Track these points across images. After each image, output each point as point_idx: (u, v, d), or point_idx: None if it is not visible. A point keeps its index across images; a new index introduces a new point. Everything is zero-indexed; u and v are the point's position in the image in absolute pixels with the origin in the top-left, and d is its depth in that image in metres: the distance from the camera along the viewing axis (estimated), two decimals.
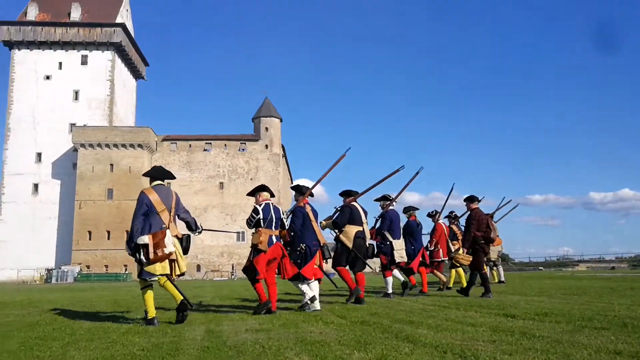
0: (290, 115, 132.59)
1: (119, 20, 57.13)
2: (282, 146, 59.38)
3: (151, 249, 5.39)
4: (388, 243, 8.81)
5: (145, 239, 5.40)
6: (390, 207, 9.02)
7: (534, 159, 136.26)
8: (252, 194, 6.75)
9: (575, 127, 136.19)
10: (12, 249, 49.02)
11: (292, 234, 6.78)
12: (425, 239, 10.46)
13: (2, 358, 3.65)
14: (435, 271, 10.93)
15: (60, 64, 55.33)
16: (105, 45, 55.94)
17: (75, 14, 55.83)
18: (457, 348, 3.45)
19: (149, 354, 3.67)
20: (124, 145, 51.63)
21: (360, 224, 7.76)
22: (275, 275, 6.66)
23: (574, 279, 16.16)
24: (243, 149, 56.71)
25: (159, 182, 5.82)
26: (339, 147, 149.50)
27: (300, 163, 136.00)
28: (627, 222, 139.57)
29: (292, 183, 76.86)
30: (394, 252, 8.75)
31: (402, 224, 9.60)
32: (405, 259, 9.04)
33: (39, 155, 53.29)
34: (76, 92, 55.14)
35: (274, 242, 6.36)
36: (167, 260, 5.50)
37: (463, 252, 9.22)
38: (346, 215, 7.74)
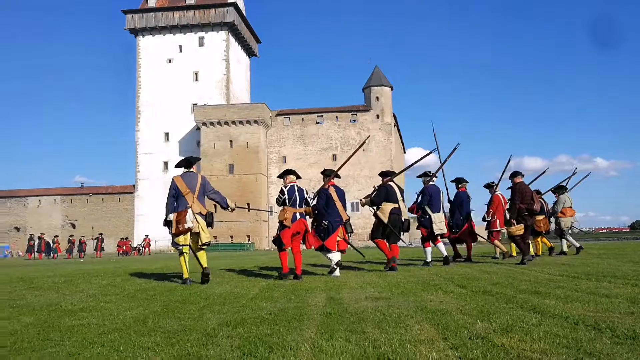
0: (401, 84, 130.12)
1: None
2: (394, 115, 58.60)
3: (174, 225, 6.78)
4: (427, 217, 9.47)
5: (171, 216, 6.84)
6: (431, 183, 9.73)
7: None
8: (281, 176, 7.88)
9: None
10: (148, 222, 54.25)
11: (316, 212, 7.78)
12: (481, 210, 10.88)
13: (149, 318, 4.10)
14: (495, 241, 11.16)
15: (180, 47, 59.02)
16: (220, 26, 58.57)
17: None
18: (590, 319, 3.24)
19: (277, 318, 3.91)
20: (241, 122, 54.25)
21: (396, 201, 8.45)
22: (301, 245, 7.77)
23: None
24: (354, 120, 56.88)
25: (186, 170, 7.16)
26: (451, 115, 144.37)
27: (413, 132, 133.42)
28: None
29: (404, 152, 75.93)
30: (433, 225, 9.39)
31: (450, 196, 10.68)
32: (445, 231, 9.61)
33: (167, 134, 57.87)
34: (196, 73, 58.67)
35: (298, 219, 7.46)
36: (188, 233, 6.84)
37: (513, 223, 9.47)
38: (382, 194, 8.53)
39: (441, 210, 9.58)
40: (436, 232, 9.43)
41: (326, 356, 2.64)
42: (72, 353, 2.94)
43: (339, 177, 8.31)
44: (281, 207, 7.54)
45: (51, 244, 35.02)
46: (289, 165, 55.10)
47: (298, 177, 7.86)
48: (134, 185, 57.93)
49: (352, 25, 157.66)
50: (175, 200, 6.92)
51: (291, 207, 7.43)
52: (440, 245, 9.72)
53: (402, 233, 8.53)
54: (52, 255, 33.92)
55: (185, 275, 7.10)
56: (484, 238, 11.49)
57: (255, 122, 54.35)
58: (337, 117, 56.95)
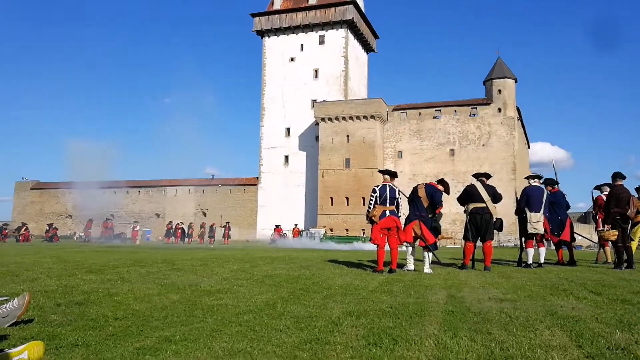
0: (526, 75, 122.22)
1: None
2: (517, 108, 55.33)
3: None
4: (524, 216, 9.53)
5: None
6: (534, 184, 9.71)
7: None
8: (382, 172, 8.61)
9: None
10: (270, 213, 57.16)
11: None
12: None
13: (277, 303, 4.38)
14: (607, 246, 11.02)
15: (302, 45, 61.05)
16: (339, 24, 59.56)
17: None
18: None
19: (398, 312, 3.97)
20: (358, 117, 54.75)
21: (480, 200, 8.75)
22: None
23: None
24: (474, 114, 54.65)
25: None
26: (580, 107, 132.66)
27: (538, 126, 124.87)
28: None
29: (528, 148, 71.37)
30: (528, 224, 9.37)
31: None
32: (541, 231, 9.42)
33: (288, 130, 60.23)
34: (316, 71, 60.27)
35: (387, 215, 7.97)
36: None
37: (607, 228, 9.38)
38: (463, 194, 9.15)
39: (541, 211, 9.44)
40: (530, 232, 9.39)
41: (451, 353, 2.65)
42: (215, 329, 3.26)
43: (396, 176, 8.63)
44: (373, 206, 8.07)
45: (186, 230, 38.38)
46: (404, 160, 54.63)
47: (394, 176, 8.46)
48: (257, 178, 61.15)
49: (472, 17, 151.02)
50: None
51: (381, 205, 7.99)
52: (542, 250, 9.79)
53: (491, 232, 8.76)
54: (186, 240, 37.12)
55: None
56: (590, 240, 11.07)
57: (372, 117, 54.49)
58: (455, 111, 55.10)
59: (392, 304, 4.41)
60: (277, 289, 5.49)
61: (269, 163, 60.53)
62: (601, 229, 10.15)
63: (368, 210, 8.24)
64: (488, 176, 9.29)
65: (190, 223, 41.80)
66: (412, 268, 8.27)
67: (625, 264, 9.00)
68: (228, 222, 40.28)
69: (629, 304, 4.42)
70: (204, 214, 60.73)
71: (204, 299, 4.62)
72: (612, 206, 9.25)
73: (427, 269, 7.97)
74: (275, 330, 3.26)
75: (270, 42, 62.33)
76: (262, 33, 62.46)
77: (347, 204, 53.64)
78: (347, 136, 55.21)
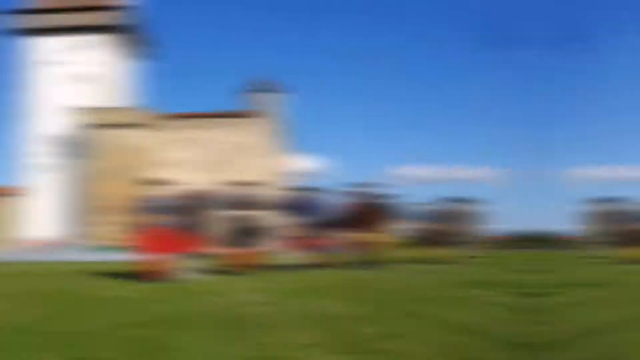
0: (291, 88, 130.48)
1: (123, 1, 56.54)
2: (281, 120, 58.92)
3: None
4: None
5: None
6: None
7: None
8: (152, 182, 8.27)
9: None
10: (31, 223, 49.53)
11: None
12: None
13: None
14: None
15: (65, 48, 55.11)
16: (110, 27, 55.52)
17: None
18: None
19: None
20: (128, 125, 51.53)
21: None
22: None
23: None
24: (240, 125, 56.38)
25: None
26: (349, 120, 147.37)
27: (306, 137, 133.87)
28: None
29: (289, 159, 76.66)
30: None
31: None
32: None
33: (48, 135, 53.29)
34: (81, 75, 54.94)
35: (155, 226, 7.56)
36: None
37: None
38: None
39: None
40: None
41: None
42: None
43: None
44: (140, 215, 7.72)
45: None
46: (176, 170, 53.33)
47: (162, 185, 8.20)
48: (14, 187, 52.59)
49: (248, 30, 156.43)
50: None
51: (149, 214, 7.67)
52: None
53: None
54: None
55: None
56: None
57: (143, 125, 51.80)
58: (226, 121, 56.06)
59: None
60: None
61: (27, 170, 52.79)
62: None
63: (134, 220, 7.72)
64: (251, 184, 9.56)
65: None
66: (187, 277, 7.88)
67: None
68: None
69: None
70: None
71: None
72: None
73: (195, 274, 7.78)
74: None
75: (28, 42, 54.92)
76: (18, 32, 54.66)
77: (116, 215, 49.82)
78: (117, 144, 51.43)
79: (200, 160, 54.25)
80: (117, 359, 2.58)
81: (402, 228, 12.02)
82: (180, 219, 8.05)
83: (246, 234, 8.83)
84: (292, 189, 10.42)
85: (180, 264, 8.19)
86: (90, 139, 50.52)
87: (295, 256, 10.38)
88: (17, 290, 6.33)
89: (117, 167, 51.04)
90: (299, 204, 10.07)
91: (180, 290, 6.30)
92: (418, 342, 2.85)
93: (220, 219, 8.83)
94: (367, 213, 10.27)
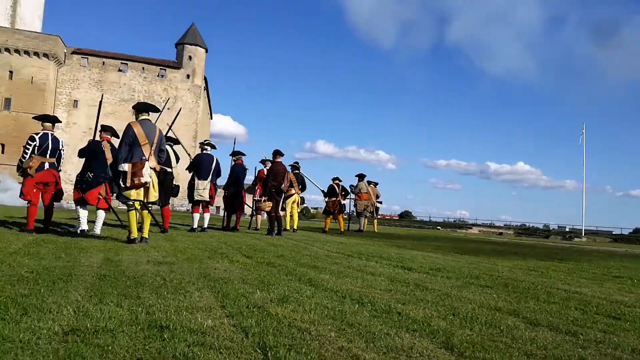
0: (217, 46, 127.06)
1: None
2: (205, 78, 57.10)
3: (129, 177, 6.09)
4: (192, 183, 9.86)
5: (125, 166, 6.11)
6: (205, 151, 10.01)
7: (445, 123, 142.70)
8: (38, 119, 7.54)
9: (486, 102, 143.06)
10: None
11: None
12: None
13: None
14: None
15: None
16: None
17: None
18: (355, 294, 3.58)
19: (39, 277, 3.47)
20: (27, 53, 47.03)
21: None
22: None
23: (467, 240, 17.40)
24: (162, 76, 53.82)
25: (144, 115, 6.46)
26: (263, 85, 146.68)
27: (222, 98, 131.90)
28: (517, 193, 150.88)
29: (211, 118, 74.67)
30: (195, 191, 9.79)
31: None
32: (207, 198, 9.91)
33: None
34: None
35: (46, 168, 7.20)
36: (142, 188, 6.24)
37: (264, 199, 10.55)
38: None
39: (208, 179, 9.90)
40: (196, 198, 9.83)
41: (91, 321, 2.42)
42: None
43: (117, 136, 7.93)
44: (29, 156, 7.15)
45: None
46: (80, 111, 49.91)
47: (55, 123, 7.63)
48: None
49: None
50: (130, 149, 6.19)
51: (40, 155, 7.14)
52: (206, 216, 10.34)
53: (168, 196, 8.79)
54: None
55: (134, 234, 6.26)
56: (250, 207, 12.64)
57: (45, 55, 47.60)
58: (143, 68, 53.20)
59: (35, 268, 3.85)
60: None
61: None
62: (258, 199, 11.44)
63: (21, 161, 7.11)
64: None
65: None
66: (85, 228, 7.49)
67: (275, 231, 10.24)
68: None
69: (272, 266, 4.99)
70: None
71: None
72: (270, 180, 10.32)
73: (98, 230, 7.38)
74: None
75: None
76: None
77: (3, 152, 45.85)
78: (11, 72, 46.97)
79: (111, 104, 51.18)
80: None
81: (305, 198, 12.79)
82: (99, 171, 7.41)
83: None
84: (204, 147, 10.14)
85: (76, 215, 7.78)
86: None
87: (202, 217, 10.26)
88: None
89: (11, 98, 46.74)
90: (215, 166, 9.93)
91: (65, 243, 6.03)
92: (305, 307, 2.96)
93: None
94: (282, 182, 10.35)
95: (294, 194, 12.51)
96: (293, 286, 3.77)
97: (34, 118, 7.86)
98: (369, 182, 16.16)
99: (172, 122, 9.80)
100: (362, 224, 16.17)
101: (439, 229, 42.17)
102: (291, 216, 12.69)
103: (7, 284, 3.18)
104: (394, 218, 58.66)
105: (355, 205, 15.85)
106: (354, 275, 4.65)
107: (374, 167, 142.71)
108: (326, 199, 14.31)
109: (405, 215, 73.39)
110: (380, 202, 17.01)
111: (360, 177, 15.74)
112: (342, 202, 14.43)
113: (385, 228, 26.81)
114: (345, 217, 15.49)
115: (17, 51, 46.78)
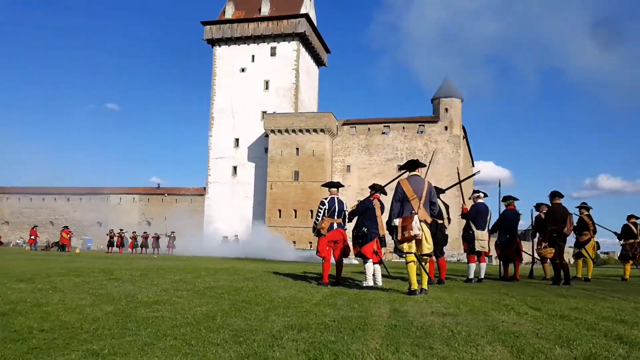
0: (472, 95, 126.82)
1: (303, 10, 60.43)
2: (463, 127, 57.23)
3: (399, 231, 6.43)
4: (471, 232, 9.74)
5: (396, 221, 6.52)
6: (479, 200, 9.97)
7: None
8: (326, 185, 8.56)
9: None
10: (216, 224, 55.93)
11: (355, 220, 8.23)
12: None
13: (217, 316, 4.19)
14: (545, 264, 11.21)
15: (253, 56, 60.72)
16: (291, 36, 59.75)
17: (265, 9, 60.61)
18: None
19: (340, 326, 3.88)
20: (307, 131, 54.94)
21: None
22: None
23: None
24: (421, 131, 56.07)
25: (414, 173, 6.86)
26: (520, 128, 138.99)
27: (482, 145, 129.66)
28: None
29: (472, 166, 73.78)
30: (475, 241, 9.63)
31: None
32: (487, 249, 9.80)
33: (237, 140, 59.51)
34: (266, 82, 60.04)
35: (335, 228, 7.95)
36: (413, 241, 6.43)
37: (545, 245, 9.66)
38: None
39: (486, 229, 9.80)
40: (477, 249, 9.70)
41: None
42: (148, 343, 3.06)
43: (384, 193, 8.50)
44: (321, 218, 8.01)
45: (128, 239, 37.39)
46: (353, 175, 55.18)
47: (339, 187, 8.43)
48: (204, 188, 59.97)
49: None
50: (401, 204, 6.64)
51: (329, 217, 7.96)
52: (483, 265, 10.01)
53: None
54: (126, 248, 36.17)
55: (414, 286, 6.39)
56: (536, 258, 11.33)
57: (322, 130, 54.82)
58: (403, 127, 56.34)
59: (335, 317, 4.32)
60: (218, 300, 5.29)
61: (216, 173, 59.53)
62: (539, 246, 10.52)
63: (315, 223, 8.17)
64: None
65: (134, 232, 40.43)
66: (372, 284, 7.91)
67: (562, 281, 9.31)
68: (173, 232, 39.14)
69: (567, 319, 4.52)
70: (149, 224, 58.83)
71: (139, 310, 4.36)
72: (549, 224, 9.51)
73: (379, 281, 8.00)
74: (212, 344, 3.09)
75: (221, 51, 61.66)
76: (212, 42, 61.70)
77: (295, 217, 53.52)
78: (297, 149, 55.27)
79: (378, 165, 55.45)
80: (287, 358, 2.78)
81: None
82: (371, 227, 7.97)
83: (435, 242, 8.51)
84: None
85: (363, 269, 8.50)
86: (274, 143, 55.13)
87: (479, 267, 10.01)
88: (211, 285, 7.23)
89: (299, 171, 54.81)
90: (490, 215, 9.84)
91: (355, 295, 6.54)
92: None
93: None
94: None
95: (589, 238, 11.26)
96: (599, 343, 3.34)
97: (322, 185, 9.06)
98: None
99: (457, 177, 10.36)
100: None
101: None
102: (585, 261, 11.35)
103: (316, 331, 3.65)
104: None
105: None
106: None
107: None
108: (621, 242, 12.35)
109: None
110: None
111: None
112: None
113: None
114: None
115: (300, 131, 55.15)
